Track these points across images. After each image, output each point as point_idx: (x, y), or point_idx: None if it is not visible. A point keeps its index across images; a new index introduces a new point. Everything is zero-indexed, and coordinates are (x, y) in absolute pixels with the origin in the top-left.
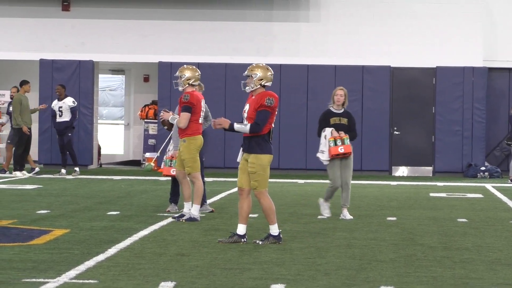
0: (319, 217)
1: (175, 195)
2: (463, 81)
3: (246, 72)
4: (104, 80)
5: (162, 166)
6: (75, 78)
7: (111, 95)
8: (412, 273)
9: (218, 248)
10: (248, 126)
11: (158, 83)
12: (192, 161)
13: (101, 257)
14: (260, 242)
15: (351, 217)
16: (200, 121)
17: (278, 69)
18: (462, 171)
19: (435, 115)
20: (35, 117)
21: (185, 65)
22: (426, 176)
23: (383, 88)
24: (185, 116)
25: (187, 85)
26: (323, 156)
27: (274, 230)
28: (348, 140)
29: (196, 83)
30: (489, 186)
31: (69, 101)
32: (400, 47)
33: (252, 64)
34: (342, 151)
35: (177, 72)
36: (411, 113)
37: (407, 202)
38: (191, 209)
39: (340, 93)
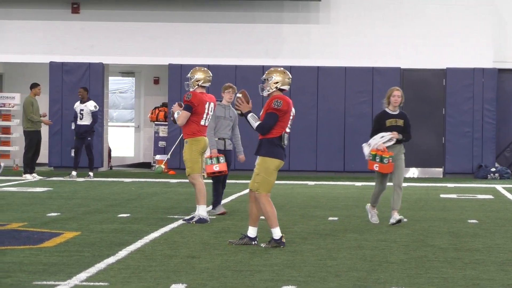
0: (330, 219)
1: (218, 195)
2: (473, 82)
3: (264, 76)
4: (114, 83)
5: (203, 166)
6: (85, 80)
7: (121, 98)
8: (423, 275)
9: (229, 250)
10: (257, 124)
11: (168, 85)
12: (193, 162)
13: (111, 260)
14: (263, 245)
15: (402, 218)
16: (203, 123)
17: (288, 71)
18: (472, 172)
19: (445, 116)
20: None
21: (197, 67)
22: (436, 177)
23: None
24: (184, 114)
25: (197, 86)
26: (366, 150)
27: (276, 234)
28: (390, 159)
29: (206, 84)
30: (499, 187)
31: (91, 105)
32: (410, 49)
33: (270, 68)
34: (377, 169)
35: (189, 74)
36: (421, 114)
37: (417, 203)
38: (199, 210)
39: (397, 94)
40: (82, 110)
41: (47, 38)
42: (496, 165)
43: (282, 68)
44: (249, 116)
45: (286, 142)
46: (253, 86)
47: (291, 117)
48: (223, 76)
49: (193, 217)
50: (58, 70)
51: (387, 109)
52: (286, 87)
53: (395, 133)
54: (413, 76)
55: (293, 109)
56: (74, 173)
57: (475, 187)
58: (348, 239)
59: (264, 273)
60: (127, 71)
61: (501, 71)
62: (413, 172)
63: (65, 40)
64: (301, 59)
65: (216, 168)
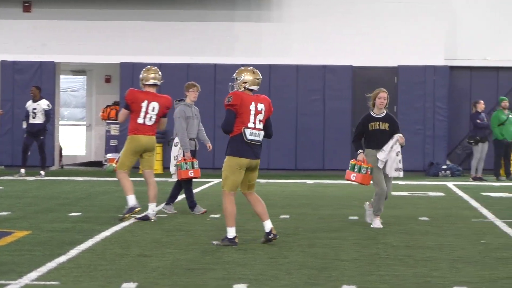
0: (282, 217)
1: (192, 197)
2: (425, 80)
3: (234, 75)
4: (66, 81)
5: (174, 171)
6: (36, 79)
7: (73, 96)
8: (374, 272)
9: (180, 249)
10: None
11: (120, 84)
12: (124, 158)
13: (62, 259)
14: (215, 243)
15: (381, 225)
16: (140, 121)
17: None
18: (424, 170)
19: (397, 114)
20: None
21: (148, 66)
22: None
23: (345, 87)
24: (121, 112)
25: (142, 85)
26: (381, 156)
27: (230, 233)
28: (368, 169)
29: (150, 82)
30: (450, 184)
31: (43, 104)
32: (362, 47)
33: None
34: (354, 179)
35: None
36: None
37: (369, 201)
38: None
39: (383, 96)
40: (35, 109)
41: None
42: (448, 162)
43: (251, 68)
44: None
45: (251, 137)
46: (206, 85)
47: (252, 112)
48: (175, 75)
49: (146, 216)
50: (9, 69)
51: (371, 112)
52: (255, 87)
53: (401, 136)
54: (365, 74)
55: (260, 104)
56: (22, 170)
57: (426, 185)
58: (300, 237)
59: (215, 271)
60: (78, 70)
61: (452, 68)
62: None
63: (16, 39)
64: (253, 57)
65: (191, 174)
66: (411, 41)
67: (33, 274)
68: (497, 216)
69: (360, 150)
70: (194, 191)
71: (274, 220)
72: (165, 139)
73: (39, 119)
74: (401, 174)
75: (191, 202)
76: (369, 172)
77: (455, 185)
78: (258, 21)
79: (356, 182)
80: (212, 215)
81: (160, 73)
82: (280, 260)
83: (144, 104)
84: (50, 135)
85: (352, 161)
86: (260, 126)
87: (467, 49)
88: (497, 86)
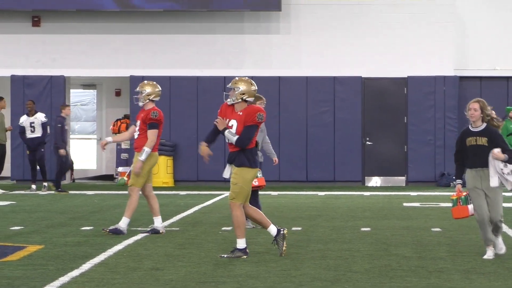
0: (294, 229)
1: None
2: (435, 90)
3: (229, 85)
4: (76, 95)
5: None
6: (46, 93)
7: (83, 110)
8: (387, 284)
9: (193, 262)
10: (236, 138)
11: (130, 97)
12: (138, 175)
13: (75, 273)
14: (225, 256)
15: (491, 256)
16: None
17: None
18: (435, 181)
19: (407, 125)
20: (7, 133)
21: (145, 81)
22: (399, 186)
23: (355, 98)
24: (154, 132)
25: (148, 100)
26: (493, 182)
27: (241, 244)
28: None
29: (157, 98)
30: None
31: (41, 117)
32: (371, 58)
33: (233, 78)
34: (471, 213)
35: (138, 88)
36: (383, 123)
37: (380, 212)
38: (121, 221)
39: (473, 107)
40: (32, 122)
41: (8, 51)
42: None
43: (247, 78)
44: (226, 132)
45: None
46: (215, 97)
47: None
48: (184, 88)
49: (155, 230)
50: (19, 83)
51: (470, 126)
52: (252, 99)
53: (495, 152)
54: (374, 85)
55: None
56: (33, 186)
57: (438, 195)
58: (312, 249)
59: (228, 284)
60: (88, 84)
61: (462, 78)
62: (376, 181)
63: (26, 54)
64: (263, 69)
65: (256, 182)
66: (420, 52)
67: None
68: (510, 226)
69: (458, 181)
70: (207, 203)
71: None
72: (174, 152)
73: (38, 133)
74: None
75: None
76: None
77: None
78: (267, 33)
79: (471, 215)
80: (224, 228)
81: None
82: (292, 272)
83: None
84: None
85: (452, 197)
86: None
87: (477, 59)
88: (507, 95)
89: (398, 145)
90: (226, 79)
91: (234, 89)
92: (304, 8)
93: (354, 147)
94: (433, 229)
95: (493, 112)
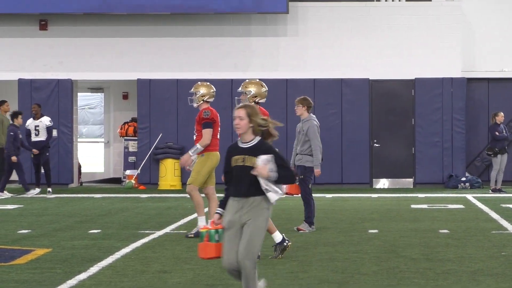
0: (301, 231)
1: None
2: (442, 92)
3: (240, 89)
4: (83, 99)
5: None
6: (54, 97)
7: (91, 113)
8: (395, 285)
9: (201, 265)
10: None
11: (137, 100)
12: (198, 174)
13: (83, 276)
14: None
15: None
16: (218, 136)
17: None
18: (443, 182)
19: (415, 126)
20: None
21: (199, 82)
22: (407, 188)
23: (362, 101)
24: (208, 131)
25: (202, 101)
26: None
27: (277, 237)
28: None
29: (211, 99)
30: (470, 196)
31: (46, 120)
32: (378, 60)
33: (241, 81)
34: None
35: (192, 89)
36: (391, 125)
37: (388, 214)
38: (199, 222)
39: (238, 115)
40: (37, 126)
41: (15, 55)
42: (467, 174)
43: (258, 80)
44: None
45: None
46: (222, 100)
47: None
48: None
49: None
50: (27, 87)
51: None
52: (263, 100)
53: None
54: (382, 87)
55: None
56: (37, 189)
57: (445, 197)
58: (320, 251)
59: (235, 286)
60: (96, 87)
61: (469, 80)
62: (384, 183)
63: (33, 57)
64: (270, 72)
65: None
66: (427, 54)
67: None
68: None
69: (219, 210)
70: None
71: (293, 234)
72: (181, 154)
73: (42, 136)
74: None
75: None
76: None
77: (474, 197)
78: (274, 35)
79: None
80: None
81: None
82: (300, 274)
83: (218, 119)
84: (68, 153)
85: (202, 228)
86: None
87: (484, 60)
88: None
89: (405, 147)
90: (233, 82)
91: (245, 92)
92: (311, 10)
93: (361, 149)
94: (440, 231)
95: (269, 120)
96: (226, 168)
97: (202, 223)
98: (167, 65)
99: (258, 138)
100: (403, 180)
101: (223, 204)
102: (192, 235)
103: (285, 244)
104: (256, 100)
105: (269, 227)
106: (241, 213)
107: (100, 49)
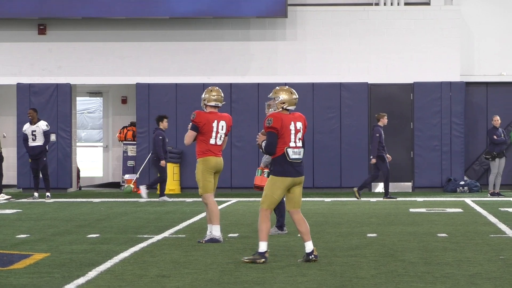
0: (300, 235)
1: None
2: (441, 96)
3: (270, 94)
4: (82, 103)
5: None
6: (52, 101)
7: (89, 118)
8: None
9: (199, 269)
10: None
11: (136, 105)
12: (204, 182)
13: (81, 280)
14: (246, 259)
15: None
16: (212, 141)
17: (256, 88)
18: (441, 186)
19: (414, 130)
20: (13, 141)
21: (277, 87)
22: (405, 191)
23: (361, 104)
24: (189, 134)
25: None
26: None
27: (263, 247)
28: None
29: (291, 107)
30: (468, 200)
31: (43, 125)
32: (377, 64)
33: (276, 87)
34: None
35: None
36: (390, 129)
37: (387, 218)
38: (212, 230)
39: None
40: (34, 131)
41: (14, 59)
42: (465, 178)
43: (288, 87)
44: (263, 144)
45: (294, 156)
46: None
47: (292, 132)
48: (191, 95)
49: (214, 239)
50: (25, 91)
51: None
52: (293, 107)
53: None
54: (380, 91)
55: (298, 123)
56: (36, 194)
57: (444, 201)
58: (318, 255)
59: None
60: (94, 91)
61: (468, 84)
62: (382, 186)
63: (32, 61)
64: (269, 76)
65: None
66: (426, 58)
67: None
68: (509, 226)
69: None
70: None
71: (292, 238)
72: (181, 159)
73: (39, 141)
74: None
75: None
76: None
77: (473, 201)
78: (273, 40)
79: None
80: (231, 235)
81: (222, 94)
82: (299, 278)
83: (215, 124)
84: (67, 157)
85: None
86: (300, 144)
87: (483, 64)
88: None
89: (404, 151)
90: (232, 86)
91: (274, 98)
92: (310, 14)
93: (360, 153)
94: (439, 235)
95: None
96: None
97: (217, 233)
98: (166, 70)
99: None
100: (401, 184)
101: None
102: (203, 241)
103: (310, 257)
104: (284, 107)
105: (304, 235)
106: None
107: (98, 53)
